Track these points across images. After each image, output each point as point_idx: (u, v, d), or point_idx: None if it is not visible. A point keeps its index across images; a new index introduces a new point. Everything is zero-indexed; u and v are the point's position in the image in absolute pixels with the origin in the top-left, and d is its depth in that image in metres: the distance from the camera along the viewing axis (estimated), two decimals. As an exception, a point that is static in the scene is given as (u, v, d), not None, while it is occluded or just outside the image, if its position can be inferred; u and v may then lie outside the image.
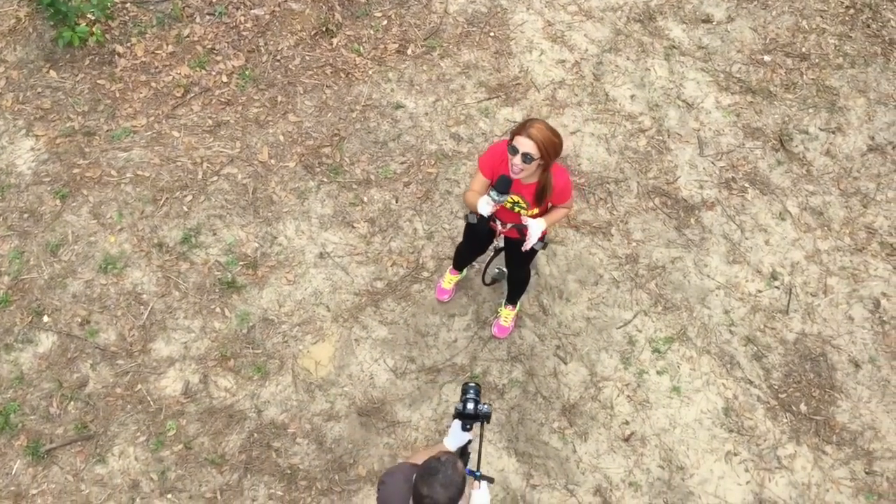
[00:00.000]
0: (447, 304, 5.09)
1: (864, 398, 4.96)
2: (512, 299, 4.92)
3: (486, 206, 3.97)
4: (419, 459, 3.34)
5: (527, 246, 4.09)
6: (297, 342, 4.94)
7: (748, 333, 5.11)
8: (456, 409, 3.48)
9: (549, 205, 4.13)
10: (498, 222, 4.23)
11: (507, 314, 4.97)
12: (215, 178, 5.40)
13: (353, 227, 5.31)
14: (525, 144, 3.75)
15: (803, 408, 4.91)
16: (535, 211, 4.09)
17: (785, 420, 4.88)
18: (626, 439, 4.77)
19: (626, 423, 4.83)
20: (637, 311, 5.15)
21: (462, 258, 4.90)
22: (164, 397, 4.75)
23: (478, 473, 3.34)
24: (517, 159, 3.78)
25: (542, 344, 5.03)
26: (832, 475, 4.74)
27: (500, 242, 4.58)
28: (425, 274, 5.18)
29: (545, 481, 4.64)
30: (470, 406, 3.45)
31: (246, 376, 4.83)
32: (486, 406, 3.48)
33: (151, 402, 4.73)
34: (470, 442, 3.61)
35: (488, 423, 3.53)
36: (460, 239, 5.27)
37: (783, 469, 4.74)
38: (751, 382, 4.96)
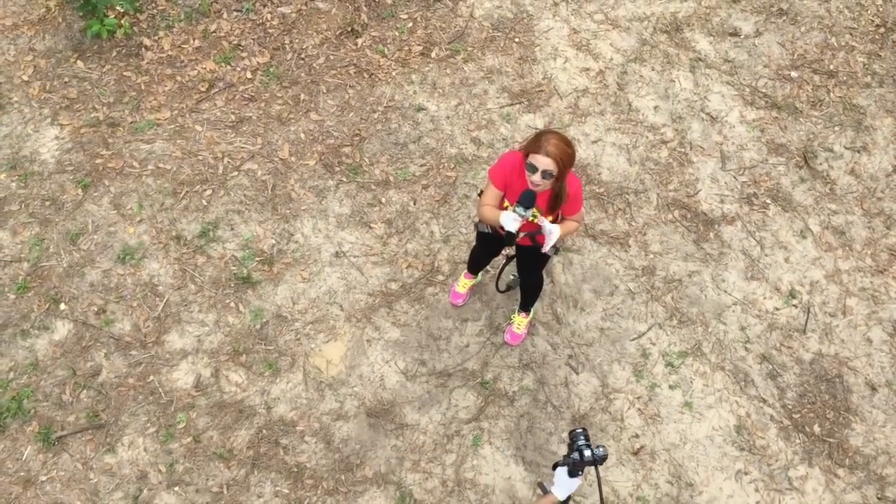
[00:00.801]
0: (461, 308, 5.07)
1: (880, 422, 4.89)
2: (525, 306, 4.90)
3: (512, 223, 3.91)
4: None
5: (547, 246, 4.01)
6: (310, 340, 4.95)
7: (764, 351, 5.06)
8: (571, 459, 3.38)
9: (561, 216, 4.11)
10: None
11: (520, 321, 4.95)
12: (235, 173, 5.43)
13: (370, 228, 5.31)
14: (544, 162, 3.72)
15: (817, 429, 4.85)
16: (550, 219, 4.07)
17: (798, 441, 4.82)
18: (636, 453, 4.74)
19: (636, 436, 4.79)
20: (652, 323, 5.11)
21: (477, 262, 4.88)
22: (176, 389, 4.77)
23: None
24: (537, 177, 3.77)
25: (555, 352, 5.00)
26: (843, 499, 4.68)
27: (511, 250, 4.55)
28: (440, 277, 5.17)
29: (552, 491, 4.61)
30: (587, 453, 3.36)
31: (257, 372, 4.84)
32: (601, 448, 3.39)
33: (163, 394, 4.75)
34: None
35: (602, 464, 3.43)
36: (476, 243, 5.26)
37: (794, 490, 4.68)
38: (764, 401, 4.91)
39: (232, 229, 5.25)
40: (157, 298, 5.01)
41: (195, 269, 5.11)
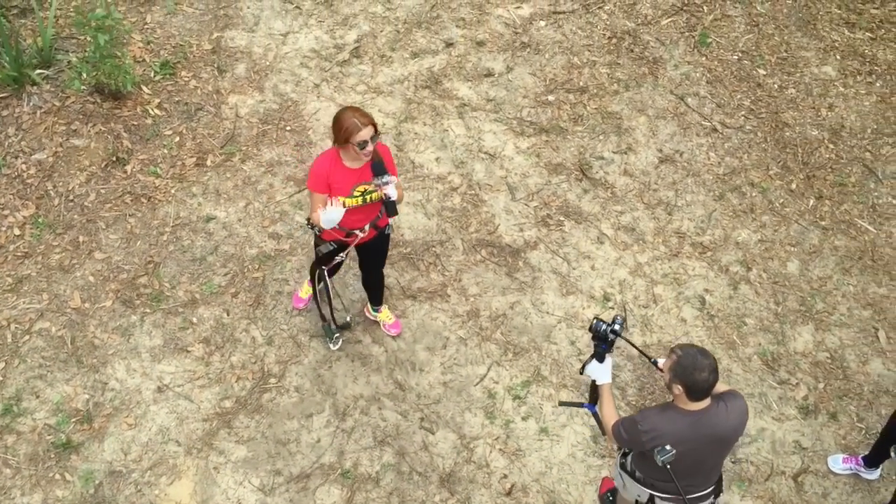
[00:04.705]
0: (302, 405, 4.95)
1: (714, 391, 5.21)
2: (378, 300, 5.13)
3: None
4: (611, 411, 3.81)
5: (388, 191, 4.26)
6: (152, 487, 4.64)
7: (596, 358, 5.27)
8: (604, 346, 3.79)
9: None
10: (357, 231, 4.43)
11: (386, 314, 5.22)
12: (27, 337, 5.05)
13: (188, 352, 5.10)
14: (367, 132, 4.14)
15: (663, 415, 5.09)
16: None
17: (649, 432, 5.03)
18: (508, 493, 4.77)
19: (505, 476, 4.83)
20: (489, 363, 5.21)
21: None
22: (15, 589, 4.31)
23: (654, 359, 3.91)
24: (370, 146, 4.17)
25: (406, 420, 4.97)
26: (704, 472, 4.92)
27: (344, 257, 4.67)
28: (273, 381, 5.03)
29: (440, 559, 4.55)
30: (616, 327, 3.75)
31: (103, 540, 4.47)
32: (618, 318, 3.77)
33: None
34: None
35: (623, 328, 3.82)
36: (301, 336, 5.19)
37: (659, 479, 4.87)
38: (610, 404, 5.10)
39: (38, 397, 4.86)
40: (-30, 496, 4.53)
41: (6, 451, 4.67)
